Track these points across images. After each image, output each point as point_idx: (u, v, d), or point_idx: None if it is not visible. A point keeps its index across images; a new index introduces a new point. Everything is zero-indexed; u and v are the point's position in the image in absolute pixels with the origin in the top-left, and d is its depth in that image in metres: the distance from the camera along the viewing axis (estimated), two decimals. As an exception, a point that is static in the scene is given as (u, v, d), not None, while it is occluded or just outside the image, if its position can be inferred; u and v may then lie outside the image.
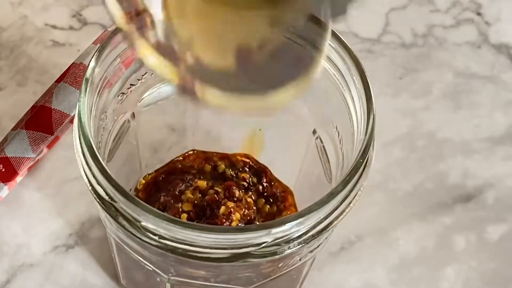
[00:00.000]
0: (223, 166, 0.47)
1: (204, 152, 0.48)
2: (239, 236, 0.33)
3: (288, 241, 0.34)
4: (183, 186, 0.45)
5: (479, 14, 0.62)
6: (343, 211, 0.35)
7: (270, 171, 0.48)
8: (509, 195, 0.53)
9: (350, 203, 0.36)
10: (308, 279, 0.46)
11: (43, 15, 0.59)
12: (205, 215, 0.43)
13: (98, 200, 0.35)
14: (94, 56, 0.37)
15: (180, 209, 0.43)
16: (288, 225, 0.33)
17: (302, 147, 0.45)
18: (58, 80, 0.51)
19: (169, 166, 0.48)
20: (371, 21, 0.61)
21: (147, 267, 0.40)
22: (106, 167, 0.34)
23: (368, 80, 0.37)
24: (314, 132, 0.43)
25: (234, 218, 0.42)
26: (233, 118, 0.48)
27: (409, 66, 0.58)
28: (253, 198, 0.46)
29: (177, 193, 0.44)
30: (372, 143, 0.36)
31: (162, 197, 0.45)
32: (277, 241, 0.34)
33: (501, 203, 0.53)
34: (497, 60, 0.59)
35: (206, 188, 0.44)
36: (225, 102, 0.33)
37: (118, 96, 0.40)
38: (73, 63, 0.52)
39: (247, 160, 0.48)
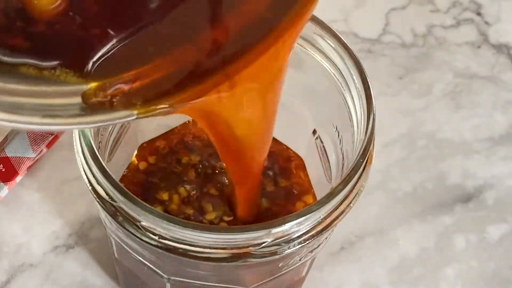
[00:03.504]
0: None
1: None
2: (239, 236, 0.33)
3: (288, 241, 0.34)
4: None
5: (479, 14, 0.62)
6: (343, 211, 0.35)
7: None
8: (509, 195, 0.53)
9: (350, 203, 0.36)
10: (308, 279, 0.46)
11: (43, 15, 0.59)
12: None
13: (98, 200, 0.35)
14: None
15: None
16: (288, 225, 0.33)
17: (302, 147, 0.45)
18: (58, 80, 0.51)
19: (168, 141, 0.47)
20: (371, 21, 0.61)
21: (147, 267, 0.40)
22: (106, 167, 0.34)
23: (368, 80, 0.37)
24: (314, 132, 0.43)
25: None
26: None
27: (409, 66, 0.58)
28: None
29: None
30: (372, 143, 0.36)
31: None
32: (277, 241, 0.34)
33: (501, 203, 0.53)
34: (497, 60, 0.59)
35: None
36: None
37: (118, 96, 0.40)
38: (73, 63, 0.52)
39: None
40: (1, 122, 0.28)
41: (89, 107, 0.29)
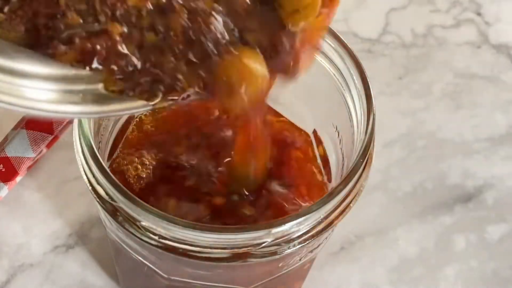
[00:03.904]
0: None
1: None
2: (239, 236, 0.33)
3: (288, 241, 0.34)
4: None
5: (479, 14, 0.62)
6: (343, 211, 0.35)
7: None
8: (509, 195, 0.53)
9: (350, 203, 0.36)
10: (308, 279, 0.46)
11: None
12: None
13: (98, 200, 0.35)
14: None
15: None
16: (288, 225, 0.33)
17: (302, 147, 0.45)
18: (58, 80, 0.51)
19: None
20: (371, 21, 0.61)
21: (147, 267, 0.40)
22: (106, 167, 0.34)
23: (368, 80, 0.37)
24: (314, 132, 0.43)
25: None
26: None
27: (409, 66, 0.59)
28: None
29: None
30: (372, 143, 0.36)
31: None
32: (277, 241, 0.34)
33: (501, 203, 0.53)
34: (497, 60, 0.59)
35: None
36: None
37: (118, 96, 0.40)
38: (73, 63, 0.51)
39: None
40: (16, 108, 0.28)
41: (108, 94, 0.29)
